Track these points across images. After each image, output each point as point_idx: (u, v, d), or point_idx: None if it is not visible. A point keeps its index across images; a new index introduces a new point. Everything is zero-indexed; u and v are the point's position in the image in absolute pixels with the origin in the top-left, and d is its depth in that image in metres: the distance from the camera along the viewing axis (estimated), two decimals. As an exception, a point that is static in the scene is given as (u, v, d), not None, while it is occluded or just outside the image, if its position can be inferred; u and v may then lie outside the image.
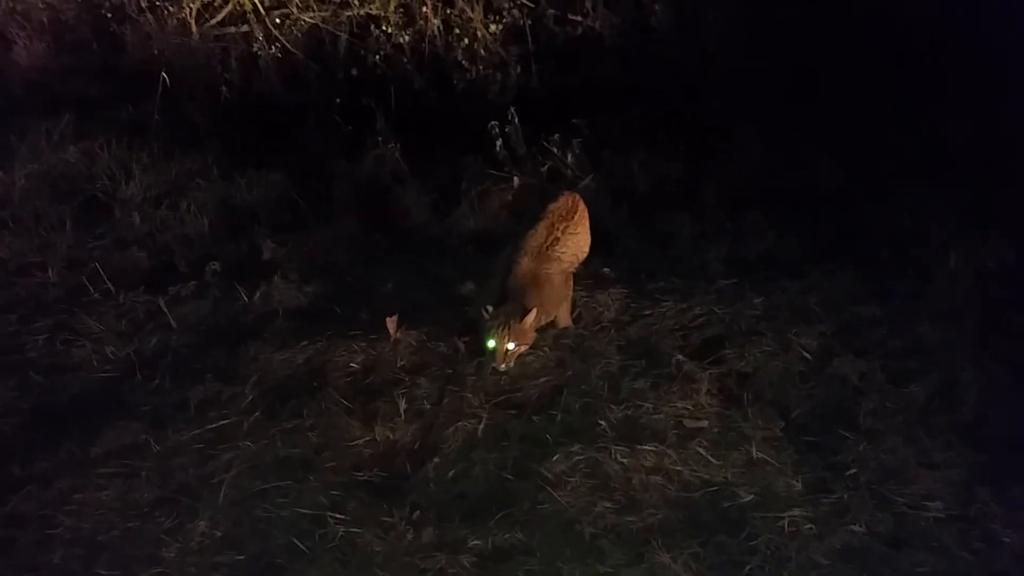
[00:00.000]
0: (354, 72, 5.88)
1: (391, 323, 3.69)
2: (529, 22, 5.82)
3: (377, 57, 5.88)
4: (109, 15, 6.32)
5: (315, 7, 5.99)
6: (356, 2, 5.93)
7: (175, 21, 6.12)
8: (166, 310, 3.94)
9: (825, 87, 5.10)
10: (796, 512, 2.86)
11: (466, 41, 5.77)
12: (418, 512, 2.92)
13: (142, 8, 6.17)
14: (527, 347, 3.47)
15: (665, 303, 3.83)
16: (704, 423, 3.23)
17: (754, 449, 3.09)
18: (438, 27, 5.85)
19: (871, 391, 3.33)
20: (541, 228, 3.65)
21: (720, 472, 3.03)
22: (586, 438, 3.17)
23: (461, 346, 3.62)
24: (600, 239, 3.98)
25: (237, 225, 4.64)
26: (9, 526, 2.94)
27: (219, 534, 2.88)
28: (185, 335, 3.84)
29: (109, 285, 4.13)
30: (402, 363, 3.59)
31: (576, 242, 3.70)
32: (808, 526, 2.81)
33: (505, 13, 5.81)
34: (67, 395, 3.55)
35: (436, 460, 3.13)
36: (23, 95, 6.14)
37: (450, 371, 3.50)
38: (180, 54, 6.02)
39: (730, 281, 3.96)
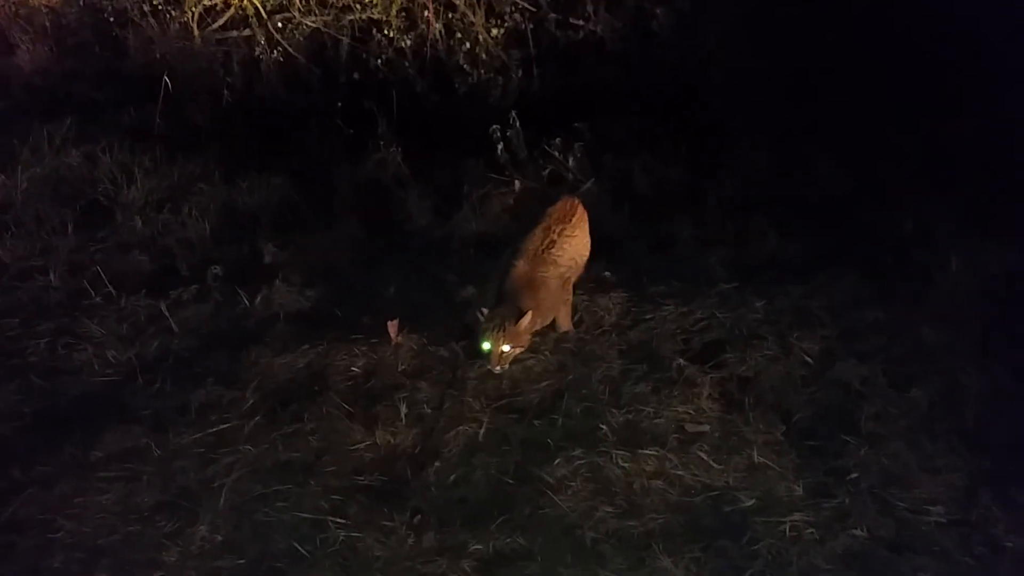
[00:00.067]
0: (356, 76, 5.89)
1: (392, 327, 3.69)
2: (530, 26, 5.84)
3: (379, 61, 5.89)
4: (111, 19, 6.34)
5: (317, 11, 6.01)
6: (358, 6, 5.95)
7: (177, 25, 6.14)
8: (167, 314, 3.94)
9: (827, 90, 5.10)
10: (797, 516, 2.85)
11: (468, 45, 5.79)
12: (419, 516, 2.91)
13: (144, 12, 6.19)
14: (522, 349, 3.47)
15: (666, 307, 3.83)
16: (705, 427, 3.23)
17: (755, 453, 3.09)
18: (440, 31, 5.86)
19: (873, 395, 3.32)
20: (538, 231, 3.66)
21: (721, 476, 3.02)
22: (587, 442, 3.16)
23: (459, 351, 3.61)
24: (601, 243, 3.97)
25: (239, 229, 4.65)
26: (10, 530, 2.94)
27: (220, 538, 2.88)
28: (186, 339, 3.84)
29: (111, 289, 4.14)
30: (403, 367, 3.58)
31: (574, 245, 3.69)
32: (809, 531, 2.81)
33: (507, 17, 5.83)
34: (68, 399, 3.55)
35: (437, 464, 3.12)
36: (25, 99, 6.16)
37: (451, 375, 3.50)
38: (182, 58, 6.04)
39: (732, 285, 3.95)
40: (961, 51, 4.98)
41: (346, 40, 6.01)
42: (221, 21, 6.15)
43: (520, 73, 5.76)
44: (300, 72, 6.01)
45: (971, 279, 3.85)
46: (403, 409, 3.33)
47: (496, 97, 5.67)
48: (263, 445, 3.23)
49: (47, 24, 6.63)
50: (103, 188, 5.01)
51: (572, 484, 3.00)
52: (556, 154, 4.86)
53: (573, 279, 3.76)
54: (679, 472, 3.04)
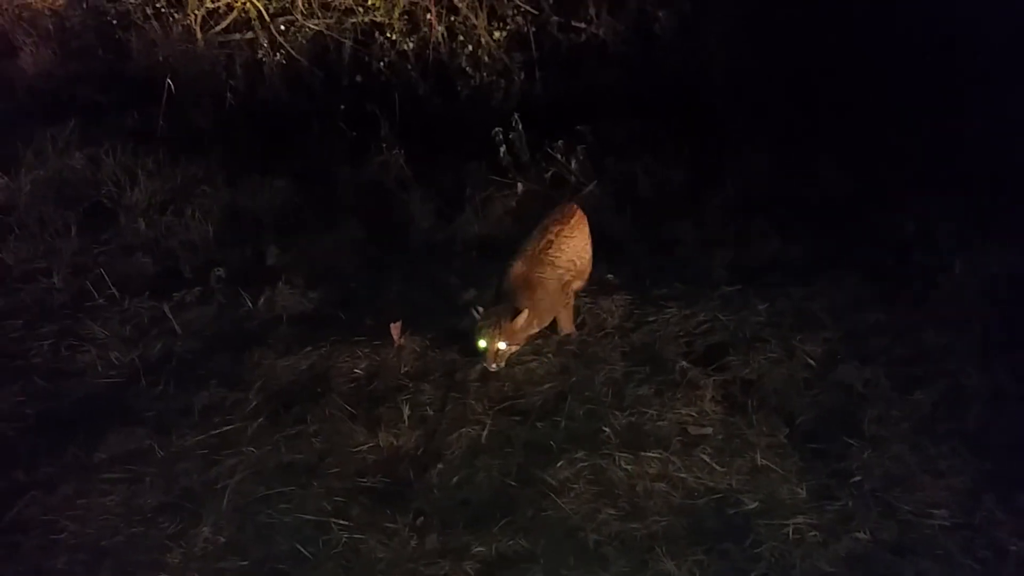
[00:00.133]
0: (358, 79, 5.91)
1: (395, 329, 3.69)
2: (533, 29, 5.85)
3: (381, 64, 5.90)
4: (115, 22, 6.36)
5: (320, 14, 6.03)
6: (360, 9, 5.96)
7: (180, 28, 6.16)
8: (171, 316, 3.95)
9: (830, 93, 5.11)
10: (801, 519, 2.84)
11: (470, 48, 5.80)
12: (422, 518, 2.91)
13: (147, 15, 6.21)
14: (519, 348, 3.48)
15: (669, 309, 3.83)
16: (708, 430, 3.22)
17: (758, 456, 3.08)
18: (442, 34, 5.87)
19: (876, 398, 3.32)
20: (536, 233, 3.67)
21: (724, 479, 3.02)
22: (590, 445, 3.16)
23: (460, 353, 3.61)
24: (604, 245, 3.98)
25: (242, 231, 4.66)
26: (13, 531, 2.94)
27: (223, 540, 2.88)
28: (189, 341, 3.85)
29: (114, 291, 4.14)
30: (406, 369, 3.59)
31: (572, 246, 3.68)
32: (813, 533, 2.80)
33: (509, 20, 5.84)
34: (71, 400, 3.55)
35: (440, 466, 3.12)
36: (29, 101, 6.18)
37: (454, 377, 3.50)
38: (185, 61, 6.05)
39: (734, 287, 3.95)
40: (963, 53, 4.99)
41: (349, 43, 6.02)
42: (224, 24, 6.16)
43: (522, 76, 5.77)
44: (303, 75, 6.02)
45: (974, 281, 3.85)
46: (406, 411, 3.34)
47: (498, 100, 5.68)
48: (266, 447, 3.23)
49: (50, 27, 6.65)
50: (106, 190, 5.02)
51: (575, 486, 3.00)
52: (558, 157, 4.87)
53: (576, 284, 3.75)
54: (682, 474, 3.03)
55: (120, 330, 3.92)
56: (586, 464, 3.07)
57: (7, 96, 6.24)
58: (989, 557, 2.72)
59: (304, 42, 6.07)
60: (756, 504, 2.92)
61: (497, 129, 4.88)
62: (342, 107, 5.44)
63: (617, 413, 3.29)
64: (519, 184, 4.81)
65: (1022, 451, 3.06)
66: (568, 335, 3.71)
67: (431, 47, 5.90)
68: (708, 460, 3.08)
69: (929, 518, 2.84)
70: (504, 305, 3.45)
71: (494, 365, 3.41)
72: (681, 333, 3.72)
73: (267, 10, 6.03)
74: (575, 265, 3.70)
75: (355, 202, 4.86)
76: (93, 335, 3.89)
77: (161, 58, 6.11)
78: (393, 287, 4.14)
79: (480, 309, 3.44)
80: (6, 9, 6.74)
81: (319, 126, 5.47)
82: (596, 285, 3.97)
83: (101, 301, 4.11)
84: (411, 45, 5.88)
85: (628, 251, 4.32)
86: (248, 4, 6.03)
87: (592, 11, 5.88)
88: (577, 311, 3.80)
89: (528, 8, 5.86)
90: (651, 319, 3.80)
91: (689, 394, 3.36)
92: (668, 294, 3.94)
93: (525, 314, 3.39)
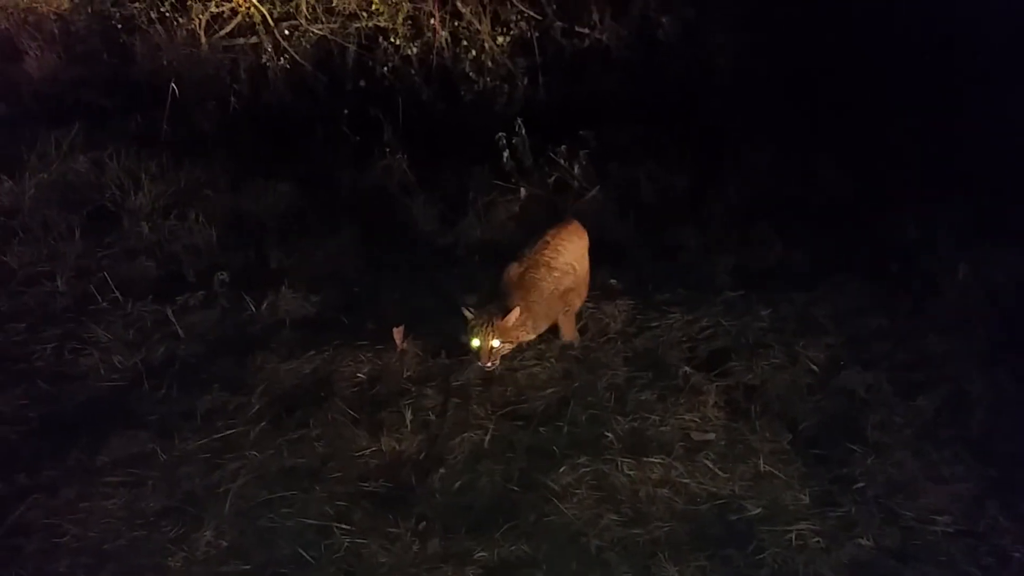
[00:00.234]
0: (362, 83, 5.93)
1: (398, 333, 3.69)
2: (536, 34, 5.86)
3: (385, 69, 5.92)
4: (119, 26, 6.39)
5: (324, 19, 6.05)
6: (365, 14, 5.98)
7: (184, 32, 6.18)
8: (174, 319, 3.95)
9: (832, 98, 5.11)
10: (803, 525, 2.84)
11: (473, 53, 5.82)
12: (424, 523, 2.91)
13: (152, 19, 6.23)
14: (512, 346, 3.47)
15: (672, 315, 3.83)
16: (711, 435, 3.22)
17: (761, 462, 3.08)
18: (446, 39, 5.89)
19: (879, 404, 3.32)
20: (535, 240, 3.67)
21: (727, 485, 3.02)
22: (593, 450, 3.15)
23: (446, 361, 3.61)
24: (607, 250, 3.98)
25: (245, 235, 4.67)
26: (16, 534, 2.94)
27: (225, 544, 2.88)
28: (192, 345, 3.85)
29: (117, 294, 4.15)
30: (408, 374, 3.59)
31: (571, 251, 3.67)
32: (815, 539, 2.80)
33: (512, 25, 5.86)
34: (74, 404, 3.56)
35: (442, 471, 3.12)
36: (33, 105, 6.20)
37: (456, 382, 3.50)
38: (189, 65, 6.07)
39: (737, 293, 3.95)
40: (966, 57, 4.99)
41: (353, 48, 6.04)
42: (228, 28, 6.19)
43: (526, 81, 5.78)
44: (307, 79, 6.04)
45: (977, 287, 3.85)
46: (408, 415, 3.33)
47: (502, 105, 5.69)
48: (269, 451, 3.23)
49: (55, 31, 6.67)
50: (110, 194, 5.03)
51: (577, 492, 3.00)
52: (562, 162, 4.87)
53: (575, 300, 3.71)
54: (685, 480, 3.03)
55: (123, 334, 3.92)
56: (588, 469, 3.07)
57: (12, 99, 6.26)
58: (992, 564, 2.72)
59: (308, 47, 6.08)
60: (759, 510, 2.91)
61: (500, 134, 4.89)
62: (346, 111, 5.45)
63: (620, 418, 3.29)
64: (522, 189, 4.81)
65: (1026, 458, 3.06)
66: (570, 343, 3.70)
67: (435, 52, 5.91)
68: (711, 466, 3.07)
69: (932, 524, 2.84)
70: (495, 304, 3.46)
71: (489, 363, 3.40)
72: (684, 338, 3.71)
73: (271, 15, 6.05)
74: (573, 270, 3.67)
75: (358, 206, 4.87)
76: (96, 338, 3.89)
77: (165, 62, 6.13)
78: (396, 292, 4.14)
79: (471, 308, 3.44)
80: (11, 13, 6.76)
81: (323, 130, 5.48)
82: (599, 290, 3.97)
83: (104, 305, 4.12)
84: (415, 50, 5.90)
85: (631, 256, 4.32)
86: (252, 9, 6.05)
87: (595, 16, 5.90)
88: (579, 317, 3.79)
89: (531, 13, 5.88)
90: (654, 324, 3.79)
91: (692, 399, 3.36)
92: (671, 299, 3.94)
93: (517, 312, 3.39)
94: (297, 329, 3.91)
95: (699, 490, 3.00)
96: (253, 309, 4.04)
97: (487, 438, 3.24)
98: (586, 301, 3.85)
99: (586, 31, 5.93)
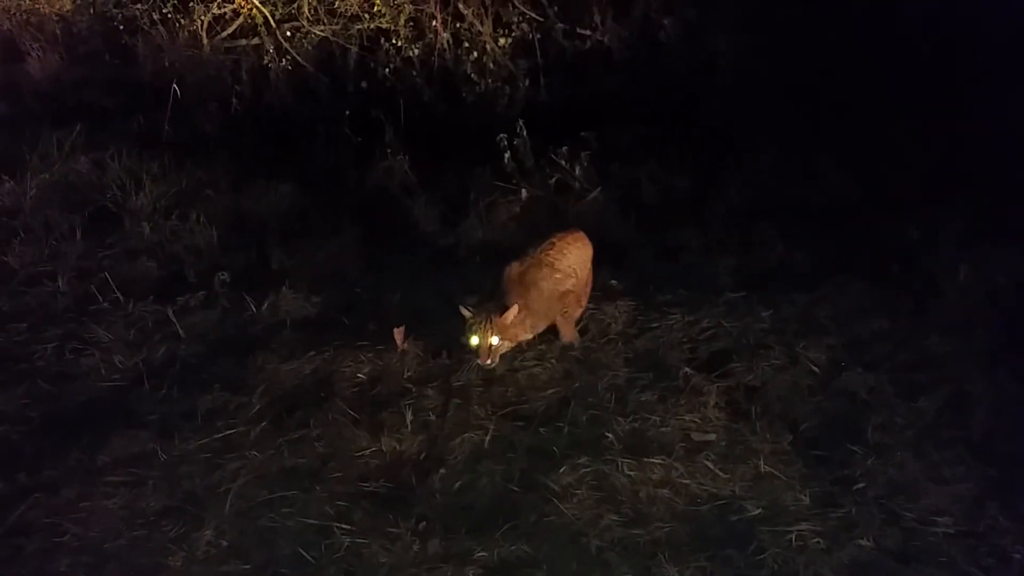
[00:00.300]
0: (364, 85, 5.94)
1: (398, 334, 3.69)
2: (538, 36, 5.87)
3: (387, 70, 5.92)
4: (121, 27, 6.40)
5: (325, 20, 6.06)
6: (366, 16, 5.99)
7: (186, 33, 6.19)
8: (174, 320, 3.95)
9: (833, 99, 5.11)
10: (804, 526, 2.83)
11: (475, 54, 5.83)
12: (424, 523, 2.91)
13: (154, 20, 6.25)
14: (511, 344, 3.47)
15: (673, 315, 3.83)
16: (712, 436, 3.22)
17: (762, 463, 3.08)
18: (447, 40, 5.90)
19: (880, 405, 3.32)
20: (540, 241, 3.67)
21: (728, 486, 3.01)
22: (593, 450, 3.15)
23: (446, 360, 3.61)
24: (608, 251, 3.98)
25: (246, 236, 4.67)
26: (17, 533, 2.94)
27: (225, 543, 2.88)
28: (193, 345, 3.85)
29: (118, 295, 4.15)
30: (409, 374, 3.59)
31: (575, 255, 3.67)
32: (816, 540, 2.79)
33: (514, 27, 5.87)
34: (75, 403, 3.56)
35: (442, 471, 3.12)
36: (35, 105, 6.22)
37: (457, 383, 3.50)
38: (191, 66, 6.09)
39: (738, 294, 3.95)
40: (968, 58, 4.99)
41: (354, 49, 6.05)
42: (230, 30, 6.20)
43: (527, 82, 5.79)
44: (308, 80, 6.05)
45: (978, 287, 3.85)
46: (409, 416, 3.33)
47: (503, 106, 5.69)
48: (269, 451, 3.23)
49: (57, 32, 6.69)
50: (111, 194, 5.03)
51: (578, 492, 3.00)
52: (563, 163, 4.88)
53: (575, 307, 3.70)
54: (685, 481, 3.03)
55: (124, 334, 3.93)
56: (589, 470, 3.07)
57: (14, 100, 6.28)
58: (993, 565, 2.71)
59: (310, 48, 6.10)
60: (759, 511, 2.91)
61: (502, 135, 4.89)
62: (347, 113, 5.46)
63: (620, 419, 3.29)
64: (523, 190, 4.81)
65: (1027, 459, 3.05)
66: (570, 343, 3.70)
67: (436, 53, 5.92)
68: (711, 466, 3.07)
69: (933, 525, 2.84)
70: (493, 301, 3.46)
71: (488, 361, 3.40)
72: (685, 339, 3.71)
73: (273, 16, 6.06)
74: (575, 274, 3.66)
75: (359, 207, 4.87)
76: (97, 339, 3.89)
77: (167, 63, 6.15)
78: (397, 292, 4.14)
79: (469, 307, 3.44)
80: (14, 14, 6.78)
81: (324, 131, 5.48)
82: (600, 291, 3.96)
83: (105, 305, 4.12)
84: (416, 51, 5.91)
85: (632, 257, 4.32)
86: (254, 10, 6.06)
87: (597, 18, 5.91)
88: (579, 319, 3.78)
89: (533, 15, 5.89)
90: (655, 325, 3.79)
91: (692, 400, 3.36)
92: (672, 300, 3.94)
93: (515, 309, 3.39)
94: (298, 329, 3.91)
95: (700, 491, 3.00)
96: (254, 309, 4.05)
97: (487, 438, 3.24)
98: (587, 302, 3.85)
99: (587, 33, 5.93)
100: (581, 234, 3.75)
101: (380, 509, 2.97)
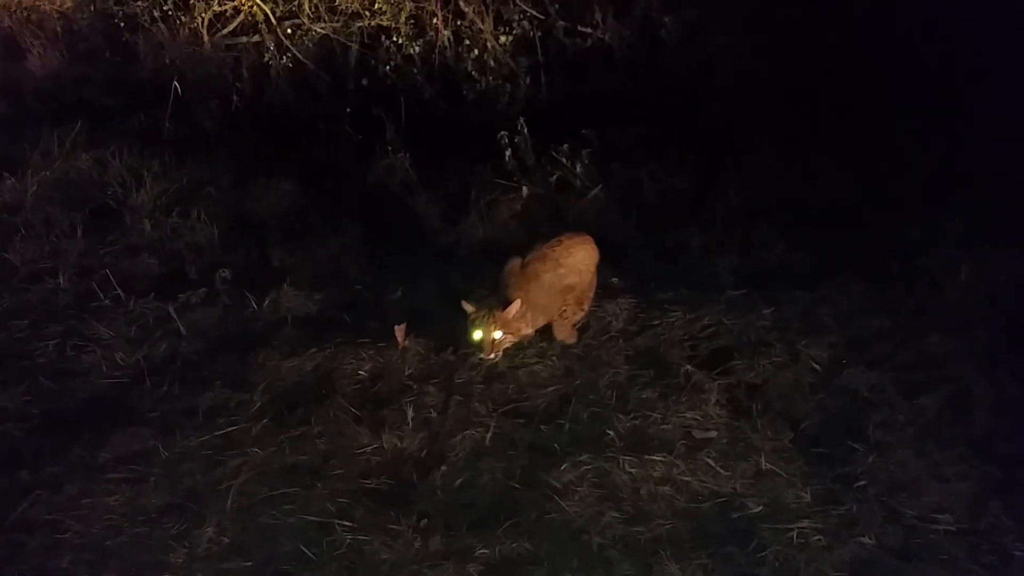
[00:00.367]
0: (364, 82, 5.93)
1: (399, 331, 3.70)
2: (539, 33, 5.86)
3: (387, 68, 5.92)
4: (122, 24, 6.39)
5: (326, 18, 6.05)
6: (367, 13, 5.99)
7: (187, 31, 6.18)
8: (176, 317, 3.95)
9: (834, 98, 5.11)
10: (805, 523, 2.84)
11: (476, 52, 5.82)
12: (425, 520, 2.91)
13: (154, 18, 6.24)
14: (514, 338, 3.47)
15: (674, 313, 3.83)
16: (713, 434, 3.22)
17: (763, 460, 3.08)
18: (448, 38, 5.89)
19: (881, 403, 3.32)
20: (545, 240, 3.67)
21: (729, 483, 3.02)
22: (594, 448, 3.15)
23: (451, 357, 3.61)
24: (609, 249, 3.97)
25: (247, 233, 4.66)
26: (18, 530, 2.94)
27: (227, 540, 2.88)
28: (194, 342, 3.85)
29: (119, 292, 4.15)
30: (410, 371, 3.59)
31: (581, 258, 3.65)
32: (817, 538, 2.80)
33: (515, 24, 5.86)
34: (76, 400, 3.56)
35: (443, 468, 3.12)
36: (36, 103, 6.21)
37: (458, 380, 3.50)
38: (192, 63, 6.08)
39: (739, 292, 3.95)
40: (968, 58, 4.99)
41: (355, 47, 6.04)
42: (231, 27, 6.19)
43: (528, 80, 5.78)
44: (309, 78, 6.04)
45: (979, 286, 3.85)
46: (410, 413, 3.34)
47: (504, 104, 5.69)
48: (270, 448, 3.23)
49: (58, 29, 6.69)
50: (112, 192, 5.03)
51: (579, 489, 3.00)
52: (564, 161, 4.87)
53: (575, 301, 3.67)
54: (686, 478, 3.03)
55: (125, 331, 3.92)
56: (590, 467, 3.07)
57: (15, 98, 6.27)
58: (994, 563, 2.72)
59: (311, 45, 6.09)
60: (760, 508, 2.91)
61: (502, 133, 4.88)
62: (348, 110, 5.45)
63: (621, 416, 3.29)
64: (524, 188, 4.81)
65: (1028, 457, 3.06)
66: (568, 344, 3.67)
67: (437, 51, 5.92)
68: (712, 464, 3.08)
69: (934, 523, 2.84)
70: (495, 296, 3.46)
71: (492, 355, 3.40)
72: (686, 337, 3.71)
73: (274, 13, 6.05)
74: (578, 273, 3.65)
75: (360, 205, 4.87)
76: (98, 336, 3.89)
77: (168, 61, 6.14)
78: (398, 290, 4.14)
79: (472, 302, 3.43)
80: (14, 11, 6.77)
81: (325, 129, 5.48)
82: (601, 289, 3.96)
83: (106, 302, 4.12)
84: (417, 49, 5.90)
85: (633, 255, 4.32)
86: (255, 7, 6.05)
87: (598, 16, 5.90)
88: (578, 323, 3.77)
89: (534, 13, 5.88)
90: (656, 323, 3.79)
91: (693, 398, 3.36)
92: (673, 298, 3.94)
93: (517, 303, 3.39)
94: (299, 327, 3.91)
95: (701, 488, 3.00)
96: (255, 307, 4.05)
97: (488, 436, 3.24)
98: (588, 308, 3.83)
99: (588, 30, 5.93)
100: (589, 238, 3.75)
101: (381, 506, 2.97)
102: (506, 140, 4.87)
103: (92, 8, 6.57)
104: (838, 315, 3.79)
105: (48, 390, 3.60)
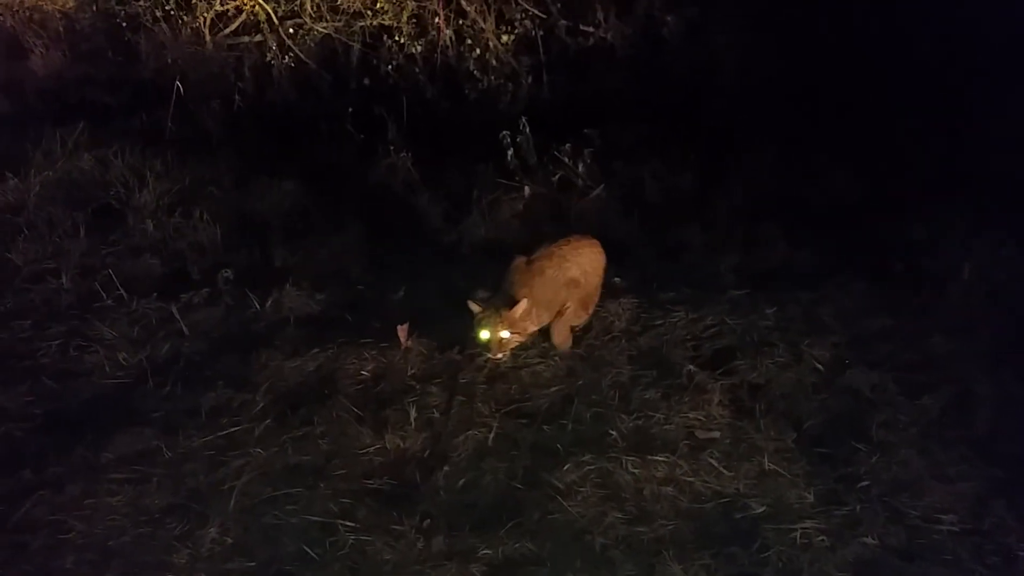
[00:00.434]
0: (366, 82, 5.93)
1: (402, 331, 3.69)
2: (541, 33, 5.87)
3: (389, 67, 5.92)
4: (124, 24, 6.41)
5: (328, 17, 6.05)
6: (369, 13, 5.99)
7: (189, 30, 6.19)
8: (178, 317, 3.95)
9: (837, 98, 5.10)
10: (808, 524, 2.84)
11: (478, 51, 5.82)
12: (428, 521, 2.91)
13: (157, 17, 6.25)
14: (521, 338, 3.46)
15: (677, 313, 3.82)
16: (716, 434, 3.22)
17: (766, 460, 3.08)
18: (450, 37, 5.90)
19: (884, 403, 3.31)
20: (554, 239, 3.67)
21: (732, 483, 3.01)
22: (597, 448, 3.15)
23: (456, 356, 3.62)
24: (611, 249, 3.97)
25: (249, 233, 4.67)
26: (21, 530, 2.94)
27: (229, 541, 2.88)
28: (197, 342, 3.85)
29: (122, 292, 4.15)
30: (413, 371, 3.58)
31: (588, 259, 3.65)
32: (820, 538, 2.79)
33: (517, 24, 5.86)
34: (79, 401, 3.56)
35: (446, 469, 3.12)
36: (38, 103, 6.22)
37: (460, 380, 3.50)
38: (194, 63, 6.09)
39: (742, 292, 3.95)
40: (972, 57, 4.98)
41: (357, 46, 6.04)
42: (233, 27, 6.19)
43: (530, 79, 5.78)
44: (311, 77, 6.04)
45: (982, 286, 3.85)
46: (412, 413, 3.33)
47: (506, 103, 5.69)
48: (273, 448, 3.23)
49: (61, 29, 6.70)
50: (115, 192, 5.03)
51: (582, 489, 3.00)
52: (566, 160, 4.87)
53: (578, 301, 3.66)
54: (689, 478, 3.03)
55: (128, 331, 3.93)
56: (593, 467, 3.07)
57: (17, 97, 6.28)
58: (998, 563, 2.72)
59: (312, 45, 6.09)
60: (763, 508, 2.91)
61: (504, 132, 4.89)
62: (350, 110, 5.45)
63: (624, 416, 3.29)
64: (526, 187, 4.81)
65: (1031, 457, 3.05)
66: (560, 347, 3.63)
67: (439, 50, 5.92)
68: (715, 464, 3.07)
69: (937, 523, 2.84)
70: (501, 295, 3.45)
71: (500, 355, 3.40)
72: (688, 337, 3.71)
73: (276, 13, 6.05)
74: (585, 272, 3.65)
75: (362, 204, 4.87)
76: (101, 336, 3.90)
77: (170, 60, 6.15)
78: (400, 289, 4.14)
79: (478, 302, 3.42)
80: (17, 11, 6.78)
81: (327, 129, 5.48)
82: (604, 288, 3.95)
83: (109, 302, 4.12)
84: (419, 48, 5.90)
85: (635, 255, 4.32)
86: (257, 7, 6.05)
87: (600, 15, 5.90)
88: (578, 327, 3.76)
89: (536, 12, 5.88)
90: (658, 323, 3.79)
91: (696, 398, 3.36)
92: (675, 298, 3.94)
93: (525, 303, 3.38)
94: (301, 327, 3.91)
95: (704, 488, 3.00)
96: (257, 307, 4.05)
97: (491, 436, 3.24)
98: (592, 310, 3.83)
99: (591, 29, 5.93)
100: (597, 242, 3.74)
101: (384, 506, 2.97)
102: (508, 139, 4.87)
103: (94, 8, 6.58)
104: (841, 315, 3.78)
105: (51, 390, 3.60)
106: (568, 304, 3.64)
